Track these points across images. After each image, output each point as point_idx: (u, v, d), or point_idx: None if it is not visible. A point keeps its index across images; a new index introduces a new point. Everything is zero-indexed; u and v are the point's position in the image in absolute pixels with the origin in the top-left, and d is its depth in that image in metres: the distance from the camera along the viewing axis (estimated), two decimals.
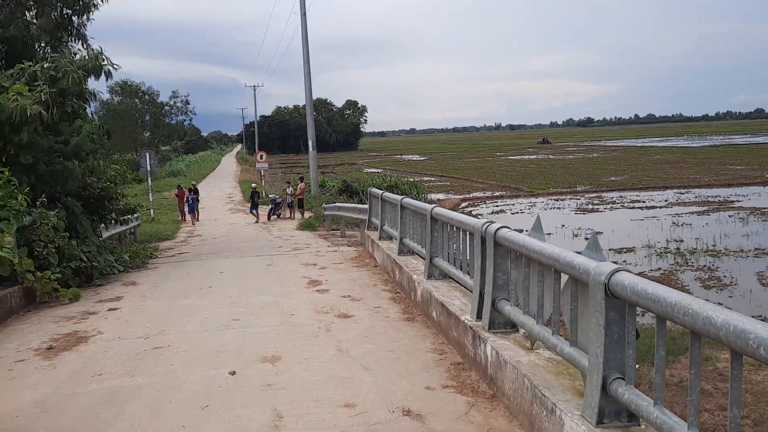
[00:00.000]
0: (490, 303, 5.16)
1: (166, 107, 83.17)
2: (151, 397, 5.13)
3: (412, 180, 41.40)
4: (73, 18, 14.01)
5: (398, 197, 10.11)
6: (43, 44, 13.91)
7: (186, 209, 30.77)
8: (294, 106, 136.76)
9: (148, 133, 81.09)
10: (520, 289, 4.78)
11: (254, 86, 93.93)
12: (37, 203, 9.63)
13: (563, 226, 24.17)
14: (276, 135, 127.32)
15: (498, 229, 5.07)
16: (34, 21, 13.57)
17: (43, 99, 9.75)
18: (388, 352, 6.07)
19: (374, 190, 13.11)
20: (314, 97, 39.64)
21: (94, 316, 8.36)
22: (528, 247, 4.41)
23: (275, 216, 29.32)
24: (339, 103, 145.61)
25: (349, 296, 8.73)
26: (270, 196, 33.74)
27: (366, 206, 14.37)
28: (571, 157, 74.55)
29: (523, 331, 4.88)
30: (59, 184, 10.52)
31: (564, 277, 4.00)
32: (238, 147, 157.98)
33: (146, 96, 79.36)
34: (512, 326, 5.09)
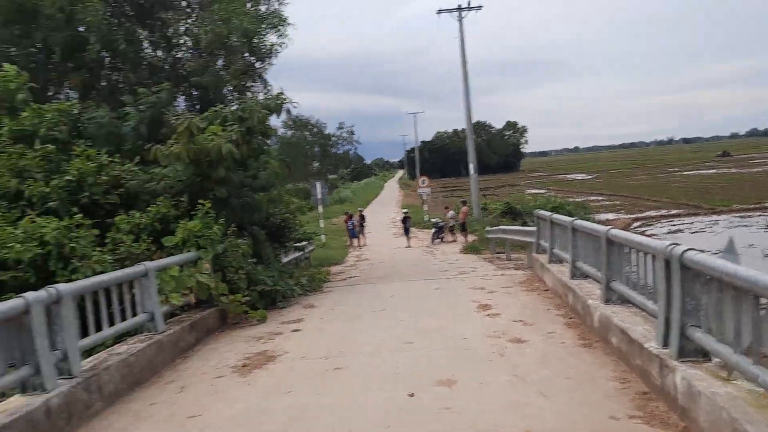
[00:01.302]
0: (678, 330, 4.90)
1: (333, 138, 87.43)
2: (337, 415, 5.43)
3: (579, 200, 40.00)
4: (256, 64, 15.37)
5: (569, 219, 9.88)
6: (230, 88, 15.38)
7: (348, 235, 32.31)
8: (453, 130, 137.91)
9: (317, 163, 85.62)
10: (712, 315, 4.50)
11: (414, 113, 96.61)
12: (229, 232, 10.59)
13: (751, 245, 22.15)
14: (436, 159, 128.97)
15: (684, 251, 4.81)
16: (223, 68, 15.07)
17: (234, 138, 10.76)
18: (566, 379, 5.94)
19: (542, 212, 12.89)
20: (473, 120, 39.83)
21: (279, 336, 8.98)
22: (720, 270, 4.15)
23: (438, 240, 29.68)
24: (498, 124, 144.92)
25: (521, 321, 8.64)
26: (432, 220, 34.25)
27: (531, 228, 14.14)
28: (757, 170, 68.04)
29: (717, 360, 4.57)
30: (247, 215, 11.51)
31: (765, 302, 3.73)
32: (400, 173, 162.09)
33: (315, 128, 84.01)
34: (704, 355, 4.78)
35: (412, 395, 5.77)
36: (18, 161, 10.15)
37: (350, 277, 17.15)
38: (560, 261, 10.75)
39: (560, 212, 20.80)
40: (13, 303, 5.45)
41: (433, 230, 30.66)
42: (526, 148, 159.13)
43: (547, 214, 12.00)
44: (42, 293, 5.80)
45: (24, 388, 5.57)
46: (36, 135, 10.81)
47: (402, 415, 5.28)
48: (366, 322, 9.61)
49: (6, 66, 11.92)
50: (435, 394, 5.76)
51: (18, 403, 5.33)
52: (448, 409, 5.34)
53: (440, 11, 37.96)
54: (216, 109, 12.20)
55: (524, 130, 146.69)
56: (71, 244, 8.86)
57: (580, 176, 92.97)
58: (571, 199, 40.52)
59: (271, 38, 15.72)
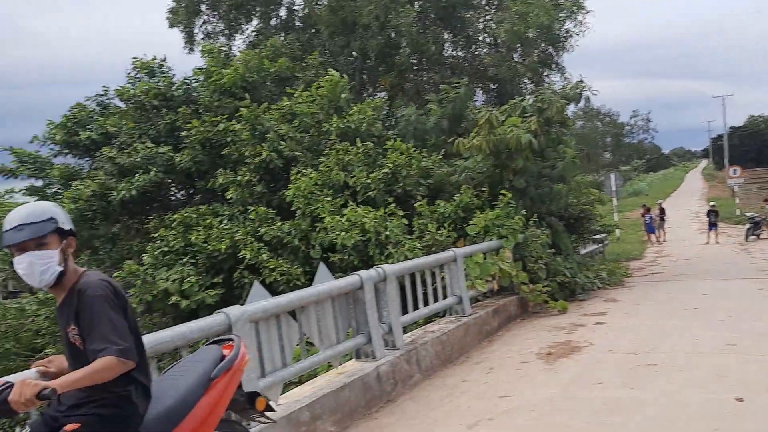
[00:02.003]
0: None
1: (627, 127, 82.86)
2: (656, 411, 5.18)
3: None
4: (552, 54, 15.28)
5: None
6: (526, 80, 15.53)
7: (645, 229, 30.24)
8: None
9: (609, 154, 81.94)
10: None
11: (722, 96, 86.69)
12: (529, 222, 10.71)
13: None
14: (749, 147, 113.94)
15: None
16: (520, 62, 15.30)
17: (533, 129, 10.85)
18: None
19: None
20: None
21: (582, 328, 8.84)
22: None
23: (754, 236, 26.31)
24: None
25: None
26: (747, 214, 30.47)
27: None
28: None
29: None
30: (545, 206, 11.52)
31: None
32: (704, 162, 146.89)
33: (607, 118, 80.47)
34: None
35: (741, 400, 5.26)
36: (344, 156, 11.57)
37: (652, 273, 16.12)
38: None
39: None
40: (352, 279, 6.23)
41: (747, 225, 27.23)
42: None
43: None
44: (372, 272, 6.52)
45: (358, 354, 6.35)
46: (357, 132, 12.19)
47: (731, 420, 4.85)
48: (677, 319, 8.96)
49: (330, 71, 13.64)
50: None
51: (354, 367, 6.09)
52: None
53: None
54: (514, 101, 12.41)
55: None
56: (386, 232, 9.83)
57: None
58: None
59: (569, 26, 15.47)
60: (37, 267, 2.63)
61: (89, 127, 16.12)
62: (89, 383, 2.53)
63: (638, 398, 5.55)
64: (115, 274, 11.95)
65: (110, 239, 15.25)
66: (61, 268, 2.70)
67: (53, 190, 17.47)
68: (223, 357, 3.22)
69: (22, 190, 18.36)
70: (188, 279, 11.19)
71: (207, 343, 3.63)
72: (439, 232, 10.13)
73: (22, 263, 2.64)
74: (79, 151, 16.47)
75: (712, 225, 27.03)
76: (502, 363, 7.26)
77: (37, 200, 17.77)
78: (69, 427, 2.62)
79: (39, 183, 17.65)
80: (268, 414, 3.54)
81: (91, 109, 16.91)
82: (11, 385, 2.33)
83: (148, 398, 2.85)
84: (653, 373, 6.30)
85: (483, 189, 11.14)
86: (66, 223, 2.76)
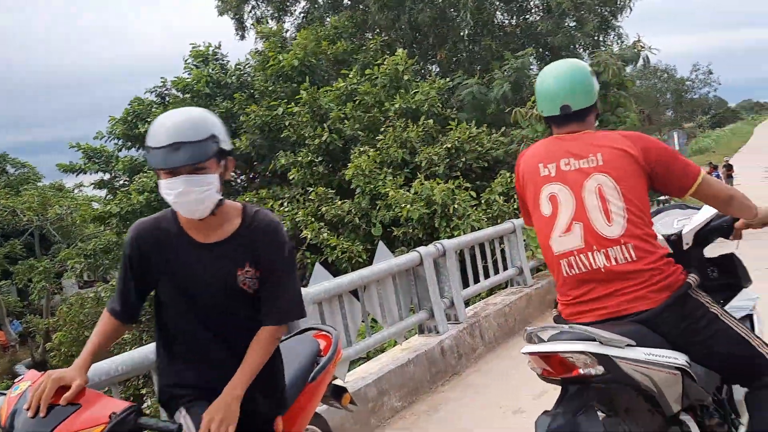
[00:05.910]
0: None
1: (687, 82, 79.66)
2: None
3: None
4: (610, 19, 14.88)
5: None
6: (581, 46, 15.18)
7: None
8: None
9: (670, 112, 79.12)
10: None
11: None
12: None
13: None
14: None
15: None
16: (575, 28, 14.96)
17: None
18: None
19: None
20: None
21: None
22: None
23: None
24: None
25: None
26: None
27: None
28: None
29: None
30: None
31: None
32: None
33: (665, 74, 77.47)
34: None
35: None
36: (402, 134, 11.73)
37: None
38: None
39: None
40: (411, 256, 6.30)
41: None
42: None
43: None
44: (431, 248, 6.57)
45: (421, 329, 6.45)
46: (419, 111, 12.33)
47: None
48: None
49: (398, 51, 13.71)
50: None
51: (418, 342, 6.18)
52: None
53: None
54: None
55: None
56: (454, 205, 9.95)
57: None
58: None
59: None
60: (194, 195, 2.10)
61: (147, 119, 16.62)
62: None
63: None
64: None
65: None
66: (219, 197, 2.20)
67: (120, 182, 18.16)
68: (319, 351, 3.06)
69: (91, 183, 19.17)
70: None
71: (301, 330, 3.39)
72: (506, 204, 10.16)
73: (173, 189, 2.10)
74: (140, 144, 17.03)
75: None
76: None
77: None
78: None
79: (107, 176, 18.36)
80: (350, 407, 3.48)
81: (149, 102, 17.40)
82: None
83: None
84: None
85: None
86: (226, 141, 2.23)
